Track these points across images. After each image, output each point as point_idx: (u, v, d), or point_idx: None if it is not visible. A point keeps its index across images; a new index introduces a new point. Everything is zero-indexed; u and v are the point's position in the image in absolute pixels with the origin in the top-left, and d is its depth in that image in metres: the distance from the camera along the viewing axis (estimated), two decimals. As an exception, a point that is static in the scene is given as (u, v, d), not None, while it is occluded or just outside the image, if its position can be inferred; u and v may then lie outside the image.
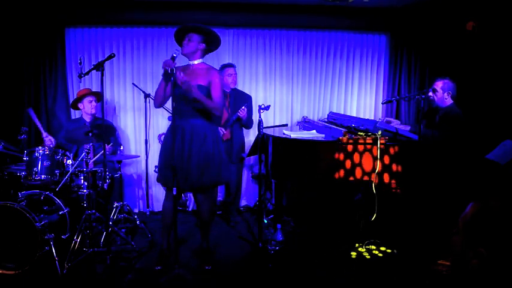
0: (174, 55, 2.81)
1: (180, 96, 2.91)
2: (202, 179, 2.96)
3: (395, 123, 3.77)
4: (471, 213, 2.02)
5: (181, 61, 3.01)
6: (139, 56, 4.49)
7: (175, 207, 2.98)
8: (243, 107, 3.90)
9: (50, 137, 3.75)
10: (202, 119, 3.00)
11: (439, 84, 3.51)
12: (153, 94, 3.76)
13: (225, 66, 4.09)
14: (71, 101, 4.41)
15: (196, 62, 3.02)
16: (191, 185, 2.96)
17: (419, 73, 4.70)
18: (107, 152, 3.72)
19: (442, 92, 3.50)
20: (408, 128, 3.62)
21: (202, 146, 2.95)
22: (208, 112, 2.97)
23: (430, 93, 3.52)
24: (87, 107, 3.87)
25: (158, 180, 3.14)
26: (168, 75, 2.76)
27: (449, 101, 3.50)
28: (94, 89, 4.25)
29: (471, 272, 2.02)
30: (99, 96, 3.91)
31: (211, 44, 3.08)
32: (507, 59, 3.99)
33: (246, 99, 4.06)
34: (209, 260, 3.17)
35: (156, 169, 4.32)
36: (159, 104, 3.08)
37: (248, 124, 4.12)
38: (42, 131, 3.72)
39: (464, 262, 2.08)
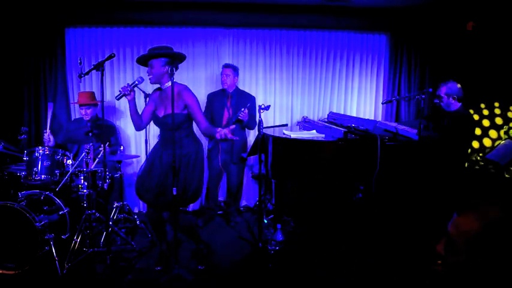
0: (136, 82, 2.81)
1: (159, 124, 2.95)
2: (185, 197, 2.89)
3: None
4: (472, 229, 1.83)
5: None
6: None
7: (162, 215, 2.98)
8: (243, 109, 3.86)
9: (50, 136, 3.66)
10: (182, 144, 2.90)
11: (442, 90, 3.48)
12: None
13: (223, 67, 4.10)
14: (71, 101, 4.42)
15: (167, 84, 2.88)
16: (169, 206, 2.88)
17: (420, 73, 4.70)
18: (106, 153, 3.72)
19: (446, 98, 3.47)
20: (415, 131, 3.57)
21: (187, 169, 2.88)
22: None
23: (437, 101, 3.50)
24: (81, 113, 3.88)
25: (137, 193, 3.05)
26: (126, 96, 2.80)
27: (455, 104, 3.47)
28: (94, 89, 4.25)
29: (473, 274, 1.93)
30: (95, 104, 3.90)
31: (176, 61, 2.91)
32: (507, 59, 4.00)
33: (248, 100, 4.05)
34: (203, 260, 3.18)
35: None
36: (137, 127, 3.00)
37: (250, 125, 4.08)
38: (48, 128, 3.64)
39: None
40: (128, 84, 2.81)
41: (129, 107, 2.87)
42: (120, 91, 2.79)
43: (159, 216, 3.12)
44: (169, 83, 2.83)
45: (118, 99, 2.84)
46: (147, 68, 2.89)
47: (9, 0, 3.98)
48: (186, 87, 2.89)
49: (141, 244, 3.55)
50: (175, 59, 2.89)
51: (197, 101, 2.89)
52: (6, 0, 3.96)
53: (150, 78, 2.87)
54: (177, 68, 2.91)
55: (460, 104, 3.47)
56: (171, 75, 2.78)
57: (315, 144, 3.32)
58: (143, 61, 2.90)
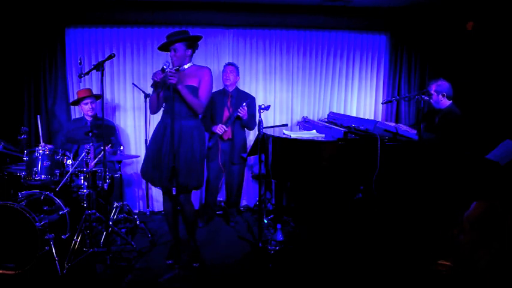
0: (164, 67, 2.88)
1: (172, 97, 2.95)
2: (189, 179, 2.98)
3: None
4: (477, 213, 1.99)
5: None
6: (139, 56, 4.48)
7: (175, 207, 2.99)
8: (244, 104, 3.88)
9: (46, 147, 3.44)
10: (192, 120, 3.05)
11: (432, 87, 3.52)
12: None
13: (226, 65, 4.12)
14: (71, 101, 4.41)
15: (187, 66, 3.11)
16: (178, 184, 2.92)
17: (419, 73, 4.70)
18: (107, 153, 3.72)
19: (436, 95, 3.50)
20: (415, 131, 3.58)
21: (190, 147, 3.00)
22: (192, 109, 3.01)
23: (427, 98, 3.52)
24: (85, 109, 3.88)
25: (143, 175, 3.17)
26: (157, 85, 2.92)
27: (445, 102, 3.50)
28: (94, 89, 4.25)
29: (479, 271, 1.99)
30: (96, 96, 3.92)
31: (195, 44, 3.15)
32: (507, 59, 3.99)
33: (248, 99, 4.05)
34: (197, 257, 3.20)
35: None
36: (154, 111, 3.18)
37: (250, 124, 4.08)
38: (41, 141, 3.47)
39: (472, 261, 2.04)
40: (158, 71, 2.91)
41: (152, 90, 3.05)
42: (155, 79, 2.90)
43: (172, 207, 3.08)
44: (190, 64, 3.11)
45: (160, 83, 2.92)
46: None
47: (9, 1, 3.98)
48: (207, 68, 3.12)
49: (141, 244, 3.55)
50: (194, 41, 3.12)
51: (211, 83, 3.09)
52: (7, 0, 3.96)
53: (174, 61, 3.05)
54: (197, 47, 3.17)
55: (450, 102, 3.50)
56: (192, 56, 3.13)
57: (315, 144, 3.32)
58: (165, 47, 3.11)
